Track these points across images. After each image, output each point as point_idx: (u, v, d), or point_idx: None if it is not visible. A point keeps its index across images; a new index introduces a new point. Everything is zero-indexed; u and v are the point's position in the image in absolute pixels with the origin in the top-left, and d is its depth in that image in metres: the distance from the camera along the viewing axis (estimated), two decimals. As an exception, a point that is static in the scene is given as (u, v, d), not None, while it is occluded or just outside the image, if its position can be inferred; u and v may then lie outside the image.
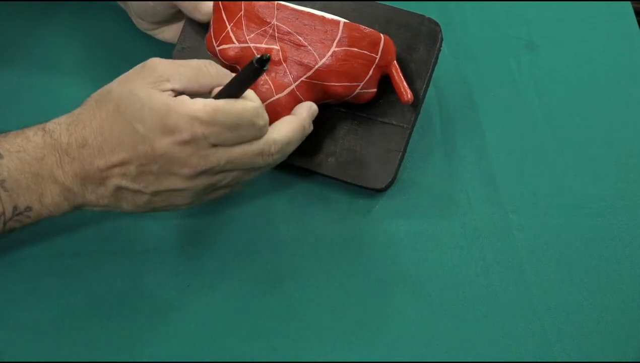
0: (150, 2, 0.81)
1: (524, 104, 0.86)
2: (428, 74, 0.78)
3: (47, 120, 0.70)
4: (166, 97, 0.67)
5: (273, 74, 0.74)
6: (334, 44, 0.74)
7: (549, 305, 0.73)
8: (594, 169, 0.81)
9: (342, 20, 0.75)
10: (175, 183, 0.69)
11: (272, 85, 0.74)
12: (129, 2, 0.84)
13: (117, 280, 0.74)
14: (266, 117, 0.69)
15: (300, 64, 0.74)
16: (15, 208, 0.68)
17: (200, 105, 0.67)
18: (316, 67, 0.74)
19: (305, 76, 0.75)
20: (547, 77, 0.88)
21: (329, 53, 0.74)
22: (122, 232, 0.77)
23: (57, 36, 0.89)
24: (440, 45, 0.78)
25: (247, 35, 0.75)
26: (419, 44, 0.78)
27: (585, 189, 0.80)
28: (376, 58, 0.75)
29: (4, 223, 0.68)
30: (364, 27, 0.75)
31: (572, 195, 0.79)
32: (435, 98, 0.85)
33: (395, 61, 0.77)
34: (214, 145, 0.67)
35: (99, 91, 0.70)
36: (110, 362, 0.70)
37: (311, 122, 0.74)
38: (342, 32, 0.74)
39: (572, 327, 0.72)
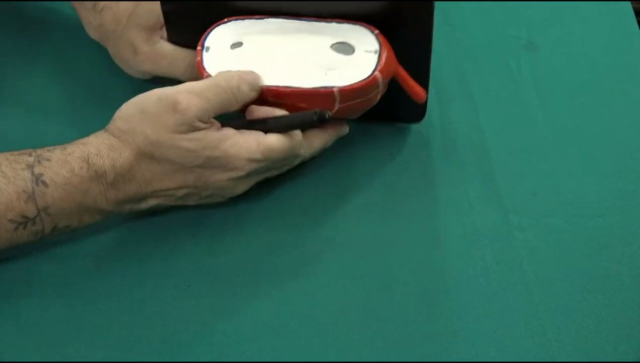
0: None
1: (524, 104, 0.86)
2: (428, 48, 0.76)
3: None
4: (221, 144, 0.70)
5: None
6: (336, 105, 0.73)
7: (549, 305, 0.73)
8: (594, 169, 0.81)
9: (335, 87, 0.72)
10: (217, 200, 0.75)
11: None
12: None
13: (117, 279, 0.74)
14: (306, 146, 0.75)
15: None
16: (54, 228, 0.70)
17: (255, 146, 0.71)
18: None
19: None
20: (547, 77, 0.88)
21: (334, 110, 0.74)
22: (121, 231, 0.77)
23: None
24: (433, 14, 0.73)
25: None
26: (409, 20, 0.74)
27: (585, 189, 0.80)
28: (379, 90, 0.74)
29: (41, 238, 0.70)
30: (359, 82, 0.73)
31: (572, 195, 0.79)
32: (435, 98, 0.85)
33: (398, 68, 0.75)
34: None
35: (127, 131, 0.70)
36: (110, 362, 0.70)
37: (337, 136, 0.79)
38: (340, 97, 0.73)
39: (572, 327, 0.72)
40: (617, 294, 0.73)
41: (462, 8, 0.93)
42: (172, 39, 0.81)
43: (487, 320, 0.72)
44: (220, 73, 0.73)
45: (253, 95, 0.73)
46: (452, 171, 0.81)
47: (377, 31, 0.74)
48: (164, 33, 0.81)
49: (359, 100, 0.74)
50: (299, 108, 0.74)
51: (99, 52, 0.86)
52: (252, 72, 0.73)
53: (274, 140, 0.72)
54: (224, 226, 0.77)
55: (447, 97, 0.86)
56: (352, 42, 0.75)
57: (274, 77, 0.74)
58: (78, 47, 0.89)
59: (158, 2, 0.78)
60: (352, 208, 0.79)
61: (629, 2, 0.94)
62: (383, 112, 0.79)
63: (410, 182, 0.80)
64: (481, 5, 0.94)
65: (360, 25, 0.75)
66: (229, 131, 0.71)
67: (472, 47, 0.90)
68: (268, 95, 0.73)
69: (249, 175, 0.73)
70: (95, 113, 0.81)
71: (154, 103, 0.70)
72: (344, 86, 0.72)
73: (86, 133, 0.71)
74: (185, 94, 0.70)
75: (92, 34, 0.85)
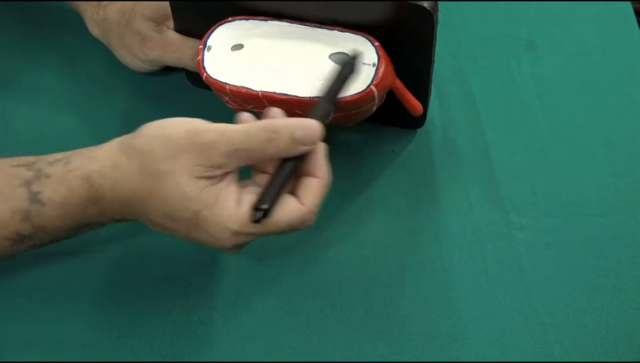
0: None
1: (524, 104, 0.86)
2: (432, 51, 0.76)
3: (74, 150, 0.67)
4: (215, 205, 0.63)
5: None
6: (330, 115, 0.72)
7: (549, 305, 0.73)
8: (594, 169, 0.81)
9: None
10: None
11: None
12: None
13: (117, 279, 0.74)
14: (314, 217, 0.66)
15: None
16: (53, 240, 0.68)
17: (245, 220, 0.64)
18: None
19: None
20: (547, 77, 0.88)
21: (329, 119, 0.73)
22: (122, 232, 0.77)
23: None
24: (437, 24, 0.73)
25: (247, 104, 0.75)
26: (411, 33, 0.74)
27: (585, 189, 0.80)
28: (375, 103, 0.74)
29: (40, 247, 0.68)
30: (354, 95, 0.72)
31: (572, 195, 0.79)
32: (435, 98, 0.85)
33: (395, 81, 0.75)
34: None
35: (142, 151, 0.65)
36: (110, 362, 0.70)
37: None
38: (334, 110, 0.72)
39: (572, 327, 0.72)
40: (617, 294, 0.73)
41: (462, 8, 0.93)
42: (179, 28, 0.82)
43: (487, 320, 0.72)
44: (260, 121, 0.66)
45: (299, 149, 0.65)
46: (453, 171, 0.81)
47: (377, 43, 0.74)
48: (170, 24, 0.82)
49: (353, 112, 0.74)
50: (293, 114, 0.74)
51: (104, 49, 0.86)
52: (305, 126, 0.66)
53: (280, 216, 0.64)
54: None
55: (447, 97, 0.86)
56: (350, 53, 0.75)
57: (271, 83, 0.74)
58: (84, 44, 0.89)
59: None
60: (352, 207, 0.79)
61: (629, 2, 0.94)
62: (383, 117, 0.79)
63: (410, 182, 0.80)
64: (481, 5, 0.94)
65: (362, 35, 0.75)
66: (234, 195, 0.64)
67: (472, 47, 0.90)
68: (264, 100, 0.73)
69: (237, 246, 0.66)
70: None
71: (181, 135, 0.64)
72: (339, 100, 0.72)
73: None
74: (214, 134, 0.64)
75: (94, 30, 0.85)
